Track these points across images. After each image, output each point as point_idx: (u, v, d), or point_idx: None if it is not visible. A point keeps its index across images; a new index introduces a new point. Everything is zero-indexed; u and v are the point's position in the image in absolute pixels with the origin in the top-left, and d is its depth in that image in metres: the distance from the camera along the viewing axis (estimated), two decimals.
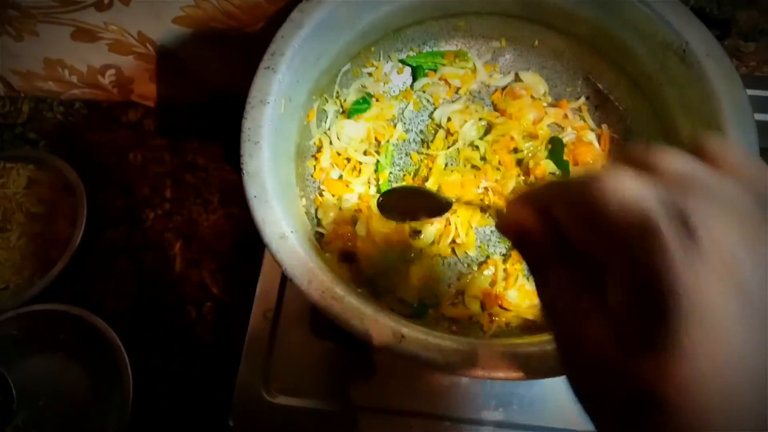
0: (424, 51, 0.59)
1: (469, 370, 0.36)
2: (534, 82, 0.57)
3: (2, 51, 0.66)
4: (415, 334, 0.37)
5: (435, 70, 0.59)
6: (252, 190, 0.41)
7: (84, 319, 0.57)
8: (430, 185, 0.53)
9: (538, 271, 0.25)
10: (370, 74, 0.58)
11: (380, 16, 0.52)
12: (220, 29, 0.61)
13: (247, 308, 0.56)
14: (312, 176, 0.54)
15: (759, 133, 0.43)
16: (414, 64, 0.59)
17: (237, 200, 0.67)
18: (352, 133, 0.55)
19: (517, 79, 0.59)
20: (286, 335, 0.53)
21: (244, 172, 0.42)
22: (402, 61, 0.59)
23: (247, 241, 0.65)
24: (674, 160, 0.21)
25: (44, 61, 0.67)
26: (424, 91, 0.59)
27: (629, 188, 0.19)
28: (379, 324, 0.37)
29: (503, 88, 0.58)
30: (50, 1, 0.57)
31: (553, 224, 0.23)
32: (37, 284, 0.60)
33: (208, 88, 0.70)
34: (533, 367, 0.36)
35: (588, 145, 0.54)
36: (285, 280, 0.55)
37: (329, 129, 0.56)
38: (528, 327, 0.48)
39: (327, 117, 0.56)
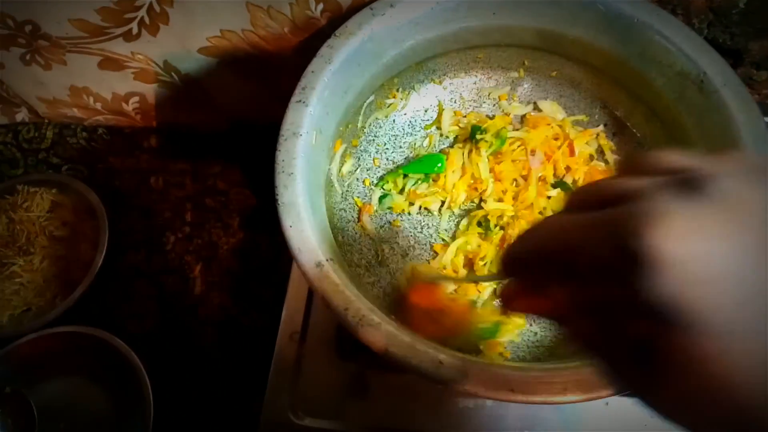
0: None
1: (511, 395, 0.36)
2: (552, 110, 0.59)
3: (30, 79, 0.67)
4: (453, 360, 0.37)
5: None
6: (287, 220, 0.42)
7: (105, 341, 0.57)
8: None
9: (566, 324, 0.26)
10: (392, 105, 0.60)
11: (404, 50, 0.54)
12: (244, 59, 0.62)
13: (267, 330, 0.56)
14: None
15: None
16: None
17: (256, 224, 0.68)
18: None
19: (536, 108, 0.60)
20: (312, 357, 0.53)
21: (279, 202, 0.43)
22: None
23: (266, 264, 0.66)
24: (599, 182, 0.23)
25: (70, 89, 0.69)
26: None
27: (567, 228, 0.22)
28: (418, 351, 0.38)
29: (522, 117, 0.60)
30: (80, 31, 0.59)
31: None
32: (59, 306, 0.60)
33: (229, 115, 0.72)
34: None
35: (604, 173, 0.55)
36: (311, 303, 0.56)
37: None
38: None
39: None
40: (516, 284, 0.27)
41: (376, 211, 0.58)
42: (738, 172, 0.20)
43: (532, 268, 0.25)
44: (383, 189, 0.58)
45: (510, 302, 0.28)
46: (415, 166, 0.59)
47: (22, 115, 0.76)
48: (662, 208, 0.19)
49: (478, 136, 0.57)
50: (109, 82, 0.67)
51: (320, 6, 0.55)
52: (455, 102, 0.61)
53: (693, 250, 0.19)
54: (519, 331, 0.52)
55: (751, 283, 0.19)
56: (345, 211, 0.57)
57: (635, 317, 0.21)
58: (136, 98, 0.70)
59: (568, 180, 0.57)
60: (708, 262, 0.19)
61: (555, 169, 0.57)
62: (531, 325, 0.53)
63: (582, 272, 0.22)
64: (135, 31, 0.59)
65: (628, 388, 0.23)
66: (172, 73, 0.66)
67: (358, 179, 0.58)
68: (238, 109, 0.71)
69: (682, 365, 0.20)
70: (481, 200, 0.57)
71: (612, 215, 0.20)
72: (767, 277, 0.19)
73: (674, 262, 0.19)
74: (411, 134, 0.61)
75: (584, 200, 0.23)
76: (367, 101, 0.57)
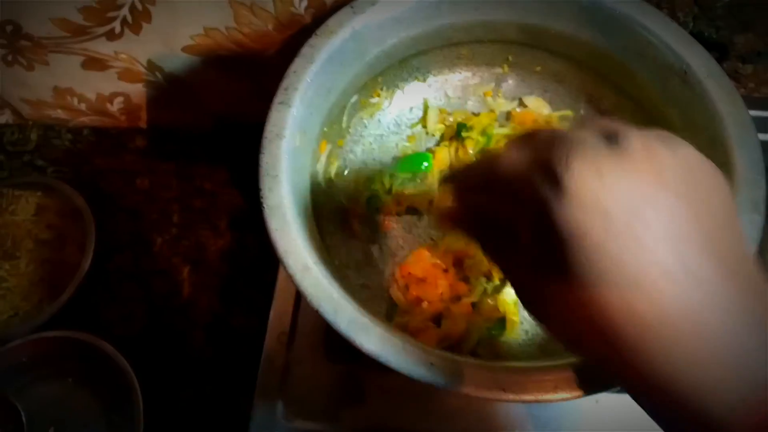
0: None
1: (502, 394, 0.36)
2: (537, 106, 0.59)
3: (13, 81, 0.67)
4: (444, 361, 0.37)
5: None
6: (273, 223, 0.41)
7: (93, 345, 0.57)
8: None
9: (477, 238, 0.33)
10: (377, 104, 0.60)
11: (387, 48, 0.54)
12: (229, 57, 0.62)
13: (257, 332, 0.56)
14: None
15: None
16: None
17: (244, 224, 0.68)
18: None
19: (521, 103, 0.60)
20: (301, 358, 0.53)
21: (265, 206, 0.42)
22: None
23: (255, 265, 0.65)
24: (546, 129, 0.28)
25: (54, 90, 0.68)
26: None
27: (512, 157, 0.27)
28: (408, 353, 0.37)
29: (507, 114, 0.60)
30: (62, 31, 0.58)
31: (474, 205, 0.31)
32: (47, 310, 0.59)
33: (215, 114, 0.72)
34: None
35: None
36: (299, 304, 0.55)
37: None
38: None
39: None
40: (453, 204, 0.33)
41: (364, 212, 0.57)
42: (650, 136, 0.25)
43: (470, 187, 0.31)
44: (370, 189, 0.58)
45: (444, 220, 0.35)
46: (401, 166, 0.58)
47: (5, 118, 0.75)
48: (586, 149, 0.24)
49: (464, 134, 0.57)
50: (93, 82, 0.67)
51: (304, 2, 0.55)
52: (440, 99, 0.61)
53: (603, 187, 0.24)
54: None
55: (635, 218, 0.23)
56: (332, 212, 0.56)
57: (539, 232, 0.25)
58: (121, 98, 0.70)
59: None
60: (611, 199, 0.23)
61: None
62: (522, 323, 0.53)
63: (505, 192, 0.27)
64: (118, 30, 0.58)
65: (525, 296, 0.30)
66: (157, 73, 0.65)
67: (344, 180, 0.58)
68: (223, 107, 0.70)
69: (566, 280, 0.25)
70: None
71: (545, 148, 0.26)
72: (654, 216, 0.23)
73: (585, 193, 0.24)
74: (397, 133, 0.61)
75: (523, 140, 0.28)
76: (351, 101, 0.57)
